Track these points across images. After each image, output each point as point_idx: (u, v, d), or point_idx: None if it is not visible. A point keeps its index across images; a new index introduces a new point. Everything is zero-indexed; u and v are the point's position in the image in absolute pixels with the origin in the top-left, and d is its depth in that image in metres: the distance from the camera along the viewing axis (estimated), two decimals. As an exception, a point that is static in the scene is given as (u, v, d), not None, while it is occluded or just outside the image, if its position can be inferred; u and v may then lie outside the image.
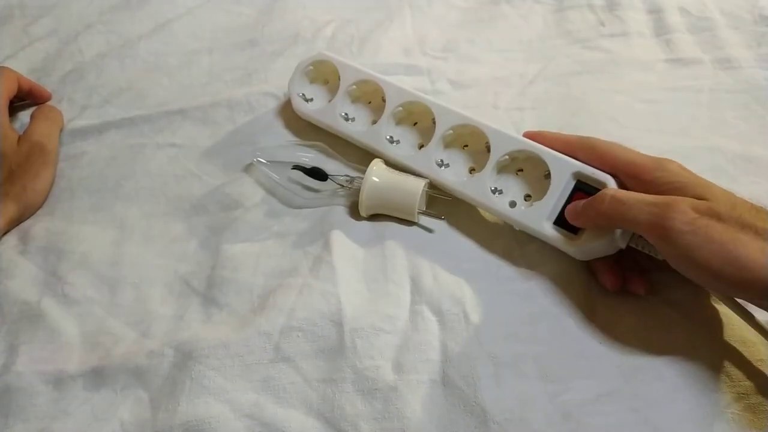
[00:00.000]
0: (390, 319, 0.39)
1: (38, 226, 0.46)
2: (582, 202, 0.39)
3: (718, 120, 0.52)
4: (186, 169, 0.50)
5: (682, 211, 0.33)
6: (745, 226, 0.32)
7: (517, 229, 0.43)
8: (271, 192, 0.47)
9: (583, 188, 0.40)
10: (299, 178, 0.46)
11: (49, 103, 0.56)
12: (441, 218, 0.44)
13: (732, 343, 0.38)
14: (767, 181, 0.46)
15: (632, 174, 0.38)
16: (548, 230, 0.40)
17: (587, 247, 0.39)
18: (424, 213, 0.44)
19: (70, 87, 0.57)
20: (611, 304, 0.40)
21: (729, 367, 0.37)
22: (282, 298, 0.40)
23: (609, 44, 0.59)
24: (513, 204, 0.42)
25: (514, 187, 0.43)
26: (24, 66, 0.59)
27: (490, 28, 0.62)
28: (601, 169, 0.40)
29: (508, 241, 0.44)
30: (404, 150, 0.47)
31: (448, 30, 0.62)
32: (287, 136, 0.52)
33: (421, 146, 0.47)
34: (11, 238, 0.46)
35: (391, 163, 0.46)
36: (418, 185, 0.44)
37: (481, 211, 0.45)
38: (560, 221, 0.40)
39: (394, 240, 0.43)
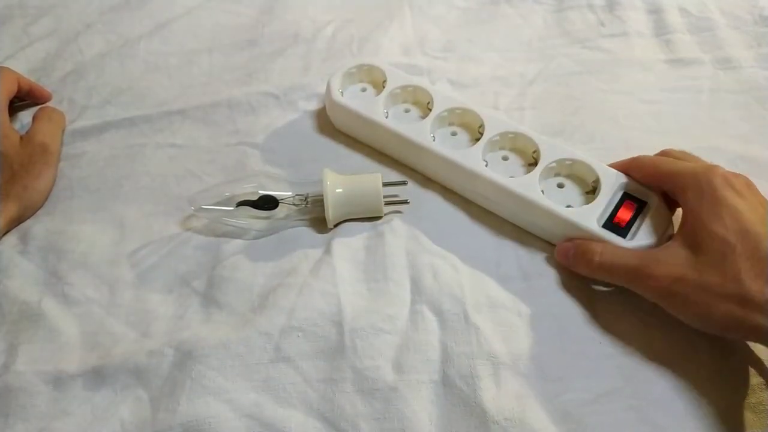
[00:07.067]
0: (390, 319, 0.39)
1: (38, 226, 0.46)
2: (575, 246, 0.40)
3: (718, 120, 0.52)
4: (186, 169, 0.50)
5: (656, 279, 0.36)
6: (727, 294, 0.33)
7: (557, 234, 0.42)
8: (222, 233, 0.45)
9: (631, 197, 0.41)
10: (246, 212, 0.44)
11: (49, 104, 0.56)
12: (405, 183, 0.45)
13: (732, 343, 0.38)
14: (767, 181, 0.46)
15: (676, 187, 0.39)
16: (599, 230, 0.40)
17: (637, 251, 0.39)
18: (388, 203, 0.44)
19: (70, 87, 0.57)
20: (611, 303, 0.40)
21: (729, 368, 0.37)
22: (282, 298, 0.40)
23: (609, 44, 0.59)
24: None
25: (557, 197, 0.43)
26: (24, 66, 0.59)
27: (490, 28, 0.62)
28: (650, 184, 0.41)
29: (508, 241, 0.44)
30: (447, 147, 0.46)
31: (448, 30, 0.62)
32: (288, 136, 0.52)
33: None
34: (11, 238, 0.46)
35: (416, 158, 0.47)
36: (377, 181, 0.44)
37: (483, 212, 0.45)
38: (608, 227, 0.40)
39: (394, 240, 0.43)
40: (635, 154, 0.45)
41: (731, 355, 0.37)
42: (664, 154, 0.42)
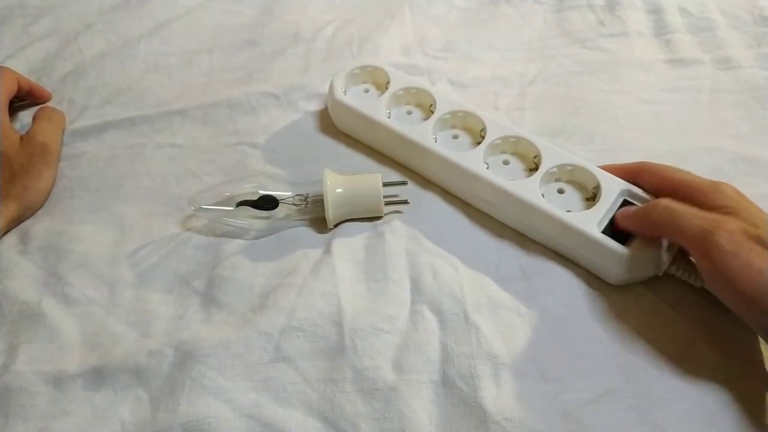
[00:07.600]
0: (390, 319, 0.39)
1: (38, 226, 0.46)
2: (634, 207, 0.40)
3: (718, 120, 0.52)
4: (186, 169, 0.50)
5: (730, 231, 0.34)
6: None
7: (557, 238, 0.42)
8: (222, 233, 0.45)
9: (631, 205, 0.41)
10: (246, 212, 0.44)
11: (49, 104, 0.56)
12: (405, 183, 0.45)
13: (732, 342, 0.38)
14: (767, 181, 0.46)
15: (687, 194, 0.38)
16: (599, 236, 0.40)
17: (633, 259, 0.39)
18: (388, 203, 0.44)
19: (70, 87, 0.57)
20: (611, 303, 0.40)
21: (729, 367, 0.37)
22: (282, 298, 0.40)
23: (609, 44, 0.59)
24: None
25: (557, 202, 0.43)
26: (24, 66, 0.59)
27: (490, 28, 0.62)
28: (654, 191, 0.41)
29: (509, 241, 0.44)
30: (449, 149, 0.46)
31: (448, 30, 0.62)
32: (288, 136, 0.52)
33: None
34: (11, 238, 0.46)
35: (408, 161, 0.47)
36: (377, 181, 0.44)
37: (484, 213, 0.45)
38: (607, 233, 0.40)
39: (395, 240, 0.43)
40: (635, 155, 0.45)
41: (732, 355, 0.37)
42: None
